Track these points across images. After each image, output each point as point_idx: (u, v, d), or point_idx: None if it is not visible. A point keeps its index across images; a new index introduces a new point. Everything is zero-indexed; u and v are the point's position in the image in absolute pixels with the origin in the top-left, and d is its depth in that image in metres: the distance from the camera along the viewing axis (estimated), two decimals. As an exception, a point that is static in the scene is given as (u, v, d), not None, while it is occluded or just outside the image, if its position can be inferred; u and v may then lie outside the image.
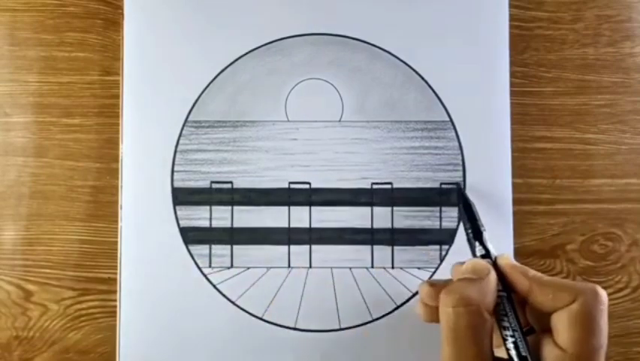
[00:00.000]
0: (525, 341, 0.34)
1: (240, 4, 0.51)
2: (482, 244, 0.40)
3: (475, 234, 0.41)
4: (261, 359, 0.49)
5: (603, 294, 0.33)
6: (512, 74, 0.51)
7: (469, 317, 0.33)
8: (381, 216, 0.50)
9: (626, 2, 0.53)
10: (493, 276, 0.35)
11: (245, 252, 0.50)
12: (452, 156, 0.50)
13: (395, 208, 0.50)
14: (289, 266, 0.50)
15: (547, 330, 0.34)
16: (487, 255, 0.40)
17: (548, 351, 0.33)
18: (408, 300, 0.49)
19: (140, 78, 0.50)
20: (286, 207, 0.50)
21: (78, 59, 0.52)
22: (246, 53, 0.51)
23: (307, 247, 0.50)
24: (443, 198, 0.50)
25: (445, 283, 0.37)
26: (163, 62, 0.50)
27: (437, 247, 0.50)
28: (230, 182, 0.50)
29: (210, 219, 0.50)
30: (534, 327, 0.36)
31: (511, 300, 0.36)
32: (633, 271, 0.51)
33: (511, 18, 0.51)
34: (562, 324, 0.32)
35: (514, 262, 0.37)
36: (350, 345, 0.49)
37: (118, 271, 0.49)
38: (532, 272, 0.36)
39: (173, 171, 0.50)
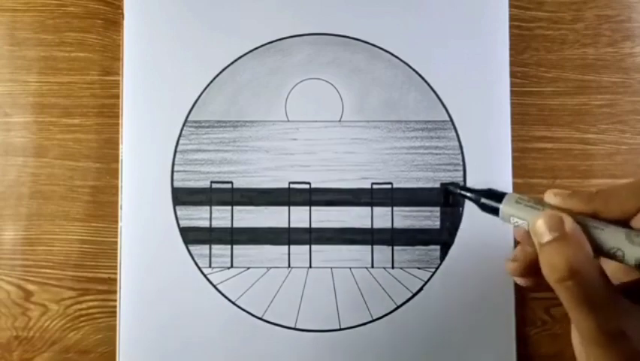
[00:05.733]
0: None
1: (239, 4, 0.51)
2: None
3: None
4: (261, 359, 0.49)
5: None
6: (512, 74, 0.51)
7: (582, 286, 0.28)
8: (381, 216, 0.50)
9: (626, 2, 0.53)
10: (570, 223, 0.29)
11: (245, 252, 0.50)
12: (452, 156, 0.50)
13: (395, 208, 0.50)
14: (289, 266, 0.50)
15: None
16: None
17: None
18: (408, 300, 0.49)
19: (140, 78, 0.50)
20: (286, 207, 0.50)
21: (78, 59, 0.52)
22: (246, 53, 0.51)
23: (307, 247, 0.50)
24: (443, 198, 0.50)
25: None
26: (163, 62, 0.50)
27: (437, 247, 0.50)
28: (231, 182, 0.50)
29: (210, 219, 0.50)
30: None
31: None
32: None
33: (511, 18, 0.51)
34: None
35: (563, 192, 0.30)
36: (350, 345, 0.49)
37: (118, 271, 0.49)
38: (585, 193, 0.30)
39: (173, 171, 0.50)
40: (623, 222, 0.29)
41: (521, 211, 0.31)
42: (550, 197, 0.30)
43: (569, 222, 0.29)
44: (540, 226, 0.29)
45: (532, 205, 0.30)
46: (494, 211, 0.32)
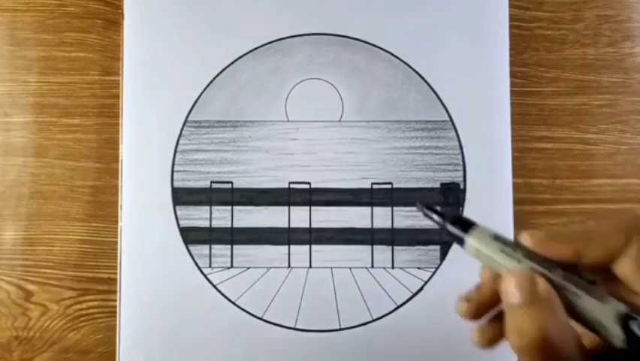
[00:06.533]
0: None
1: (239, 4, 0.51)
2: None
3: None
4: (261, 359, 0.49)
5: None
6: (512, 74, 0.51)
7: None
8: (381, 216, 0.50)
9: (626, 2, 0.53)
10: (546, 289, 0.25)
11: (245, 252, 0.50)
12: (452, 156, 0.50)
13: (395, 208, 0.50)
14: (289, 266, 0.50)
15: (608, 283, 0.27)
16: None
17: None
18: (408, 300, 0.49)
19: (140, 78, 0.50)
20: (286, 207, 0.50)
21: (78, 59, 0.52)
22: (246, 53, 0.51)
23: (307, 247, 0.50)
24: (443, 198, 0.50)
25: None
26: (163, 62, 0.50)
27: (437, 247, 0.50)
28: (231, 182, 0.50)
29: (210, 219, 0.50)
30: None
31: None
32: (633, 271, 0.51)
33: (511, 18, 0.51)
34: (631, 270, 0.26)
35: (539, 234, 0.27)
36: (350, 345, 0.49)
37: (118, 271, 0.49)
38: (564, 233, 0.27)
39: (173, 171, 0.50)
40: (605, 269, 0.26)
41: (492, 252, 0.27)
42: (526, 239, 0.27)
43: (542, 285, 0.25)
44: (509, 284, 0.25)
45: (504, 248, 0.27)
46: (460, 242, 0.28)
